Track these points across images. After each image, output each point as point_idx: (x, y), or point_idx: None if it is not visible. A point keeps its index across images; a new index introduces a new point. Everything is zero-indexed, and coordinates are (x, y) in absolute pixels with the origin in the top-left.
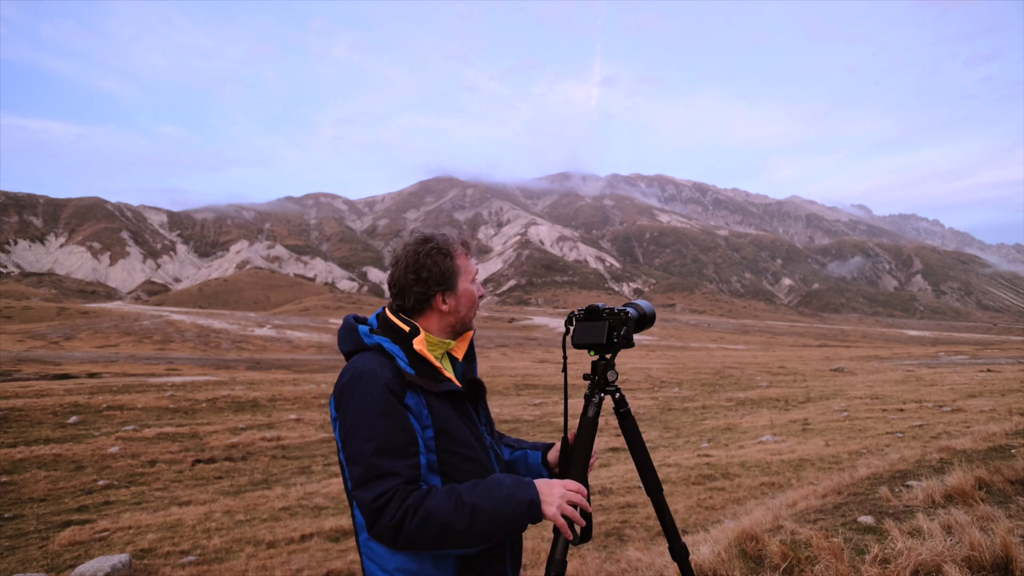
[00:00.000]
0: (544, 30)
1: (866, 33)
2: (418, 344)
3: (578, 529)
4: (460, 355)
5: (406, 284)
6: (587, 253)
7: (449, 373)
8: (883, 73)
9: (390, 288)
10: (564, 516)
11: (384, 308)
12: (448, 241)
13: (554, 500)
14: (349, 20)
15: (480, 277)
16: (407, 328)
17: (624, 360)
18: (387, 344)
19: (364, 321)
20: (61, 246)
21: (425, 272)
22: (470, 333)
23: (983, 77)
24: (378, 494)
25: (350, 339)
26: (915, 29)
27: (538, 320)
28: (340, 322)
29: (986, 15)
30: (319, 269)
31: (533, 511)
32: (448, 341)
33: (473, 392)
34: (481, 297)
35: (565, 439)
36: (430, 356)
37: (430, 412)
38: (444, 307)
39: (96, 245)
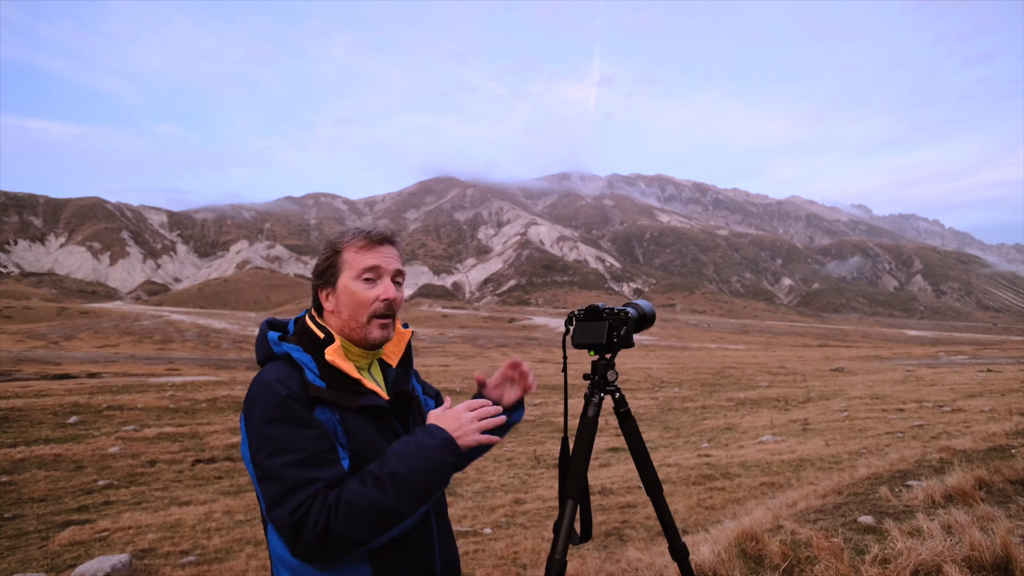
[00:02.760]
0: (541, 30)
1: (864, 33)
2: (330, 354)
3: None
4: (395, 360)
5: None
6: (587, 253)
7: (372, 384)
8: (881, 73)
9: None
10: (485, 432)
11: (306, 312)
12: (345, 233)
13: (466, 426)
14: (346, 20)
15: (480, 277)
16: (321, 335)
17: (624, 360)
18: (297, 353)
19: (281, 326)
20: (61, 246)
21: (315, 265)
22: (407, 333)
23: (981, 77)
24: (296, 505)
25: (262, 347)
26: (912, 29)
27: (538, 320)
28: None
29: (983, 15)
30: None
31: (451, 447)
32: (372, 351)
33: (400, 406)
34: (386, 301)
35: (565, 439)
36: (346, 367)
37: (345, 431)
38: (328, 304)
39: (96, 245)
